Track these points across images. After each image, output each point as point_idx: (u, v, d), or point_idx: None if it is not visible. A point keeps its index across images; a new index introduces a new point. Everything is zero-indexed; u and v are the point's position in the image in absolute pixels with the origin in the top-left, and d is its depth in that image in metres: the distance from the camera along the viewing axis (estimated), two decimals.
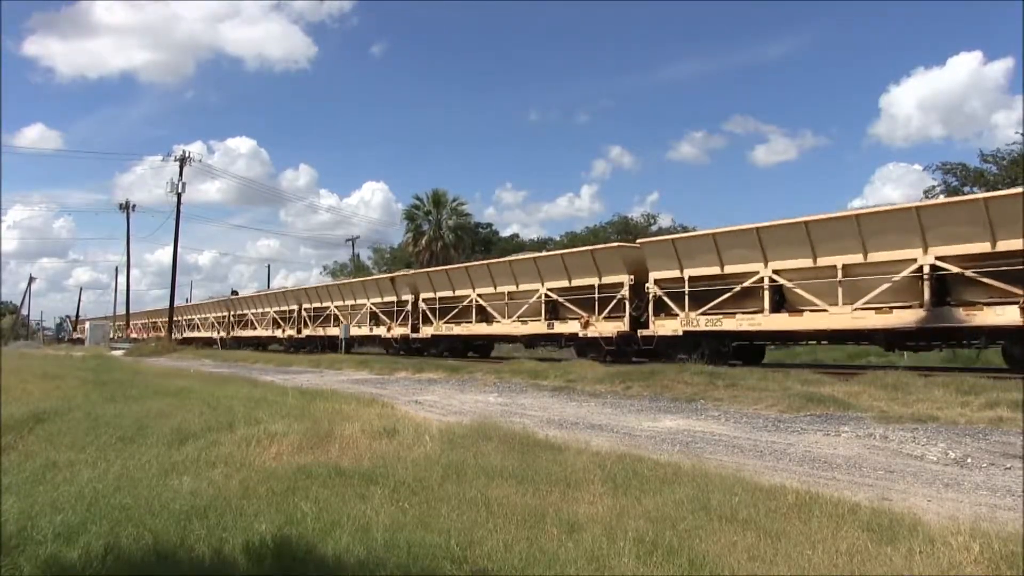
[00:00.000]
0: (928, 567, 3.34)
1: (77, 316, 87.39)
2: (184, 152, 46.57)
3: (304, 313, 32.83)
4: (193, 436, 7.35)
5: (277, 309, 35.62)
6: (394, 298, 26.50)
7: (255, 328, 38.02)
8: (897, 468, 6.01)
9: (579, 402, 11.08)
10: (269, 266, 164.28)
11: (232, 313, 41.92)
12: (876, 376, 11.04)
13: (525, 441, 6.62)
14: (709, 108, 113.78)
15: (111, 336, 61.61)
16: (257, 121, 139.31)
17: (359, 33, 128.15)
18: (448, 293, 23.78)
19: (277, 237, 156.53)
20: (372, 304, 27.74)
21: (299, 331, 33.03)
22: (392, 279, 27.55)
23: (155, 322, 57.29)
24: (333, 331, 29.85)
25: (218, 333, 43.08)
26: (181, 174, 45.56)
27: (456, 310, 23.21)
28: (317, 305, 31.81)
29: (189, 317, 49.27)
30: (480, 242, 51.66)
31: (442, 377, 15.98)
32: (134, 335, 57.39)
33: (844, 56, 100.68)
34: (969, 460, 6.26)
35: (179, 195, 45.24)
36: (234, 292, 54.84)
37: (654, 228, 47.13)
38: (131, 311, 61.58)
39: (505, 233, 60.26)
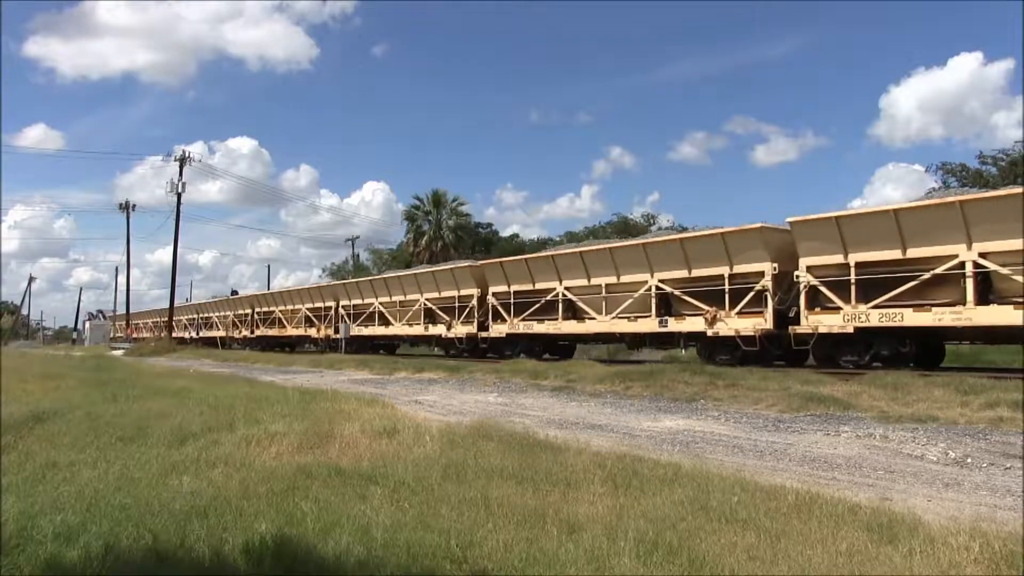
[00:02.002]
0: (928, 567, 3.34)
1: (75, 313, 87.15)
2: (184, 152, 46.63)
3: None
4: (193, 436, 7.35)
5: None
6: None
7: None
8: (897, 468, 6.01)
9: (579, 402, 11.08)
10: (269, 266, 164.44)
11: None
12: (876, 376, 11.04)
13: (525, 441, 6.62)
14: (709, 108, 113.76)
15: (111, 336, 61.60)
16: (258, 121, 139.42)
17: (361, 34, 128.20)
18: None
19: (278, 237, 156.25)
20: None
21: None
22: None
23: (136, 323, 58.75)
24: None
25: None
26: (181, 174, 45.58)
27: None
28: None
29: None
30: (480, 242, 51.60)
31: (442, 377, 15.99)
32: (134, 335, 57.39)
33: (844, 56, 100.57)
34: (969, 460, 6.27)
35: (179, 195, 45.31)
36: (234, 292, 54.90)
37: (654, 228, 47.10)
38: (127, 311, 61.74)
39: (505, 233, 60.28)
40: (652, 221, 51.12)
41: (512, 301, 20.09)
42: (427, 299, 23.69)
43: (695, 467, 5.42)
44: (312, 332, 30.90)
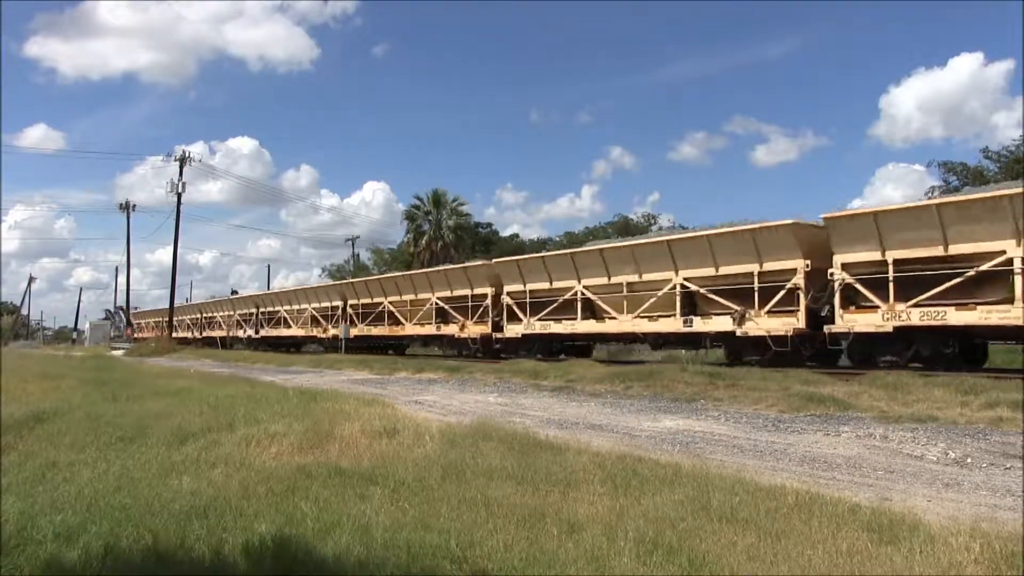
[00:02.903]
0: (928, 567, 3.34)
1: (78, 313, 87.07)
2: (185, 152, 46.68)
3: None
4: (193, 436, 7.35)
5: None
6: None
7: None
8: (897, 468, 6.01)
9: (579, 402, 11.08)
10: (269, 266, 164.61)
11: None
12: (876, 376, 11.04)
13: (525, 441, 6.62)
14: (709, 108, 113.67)
15: (111, 336, 61.68)
16: (259, 121, 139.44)
17: (361, 34, 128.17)
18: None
19: (278, 237, 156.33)
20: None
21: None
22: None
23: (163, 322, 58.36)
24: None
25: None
26: (181, 174, 45.62)
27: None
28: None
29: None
30: (480, 242, 51.61)
31: (442, 377, 15.99)
32: (135, 335, 57.26)
33: (844, 56, 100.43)
34: (969, 460, 6.26)
35: (179, 195, 45.35)
36: (234, 292, 54.96)
37: (654, 228, 47.12)
38: (127, 310, 62.11)
39: (505, 233, 60.29)
40: (653, 221, 51.16)
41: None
42: (686, 278, 16.15)
43: (695, 467, 5.42)
44: (450, 329, 24.17)
